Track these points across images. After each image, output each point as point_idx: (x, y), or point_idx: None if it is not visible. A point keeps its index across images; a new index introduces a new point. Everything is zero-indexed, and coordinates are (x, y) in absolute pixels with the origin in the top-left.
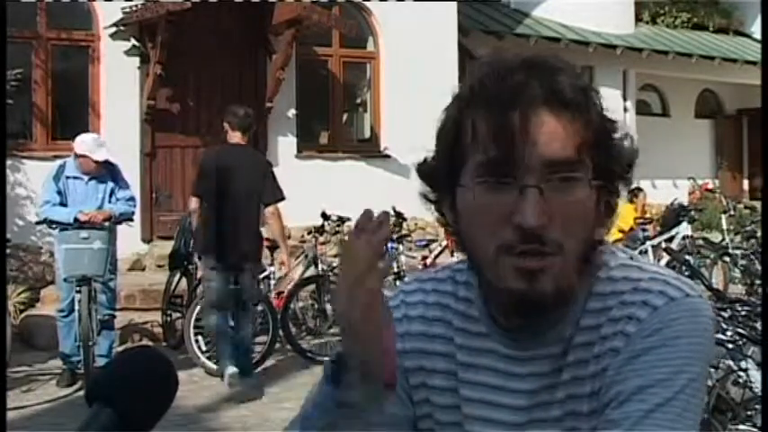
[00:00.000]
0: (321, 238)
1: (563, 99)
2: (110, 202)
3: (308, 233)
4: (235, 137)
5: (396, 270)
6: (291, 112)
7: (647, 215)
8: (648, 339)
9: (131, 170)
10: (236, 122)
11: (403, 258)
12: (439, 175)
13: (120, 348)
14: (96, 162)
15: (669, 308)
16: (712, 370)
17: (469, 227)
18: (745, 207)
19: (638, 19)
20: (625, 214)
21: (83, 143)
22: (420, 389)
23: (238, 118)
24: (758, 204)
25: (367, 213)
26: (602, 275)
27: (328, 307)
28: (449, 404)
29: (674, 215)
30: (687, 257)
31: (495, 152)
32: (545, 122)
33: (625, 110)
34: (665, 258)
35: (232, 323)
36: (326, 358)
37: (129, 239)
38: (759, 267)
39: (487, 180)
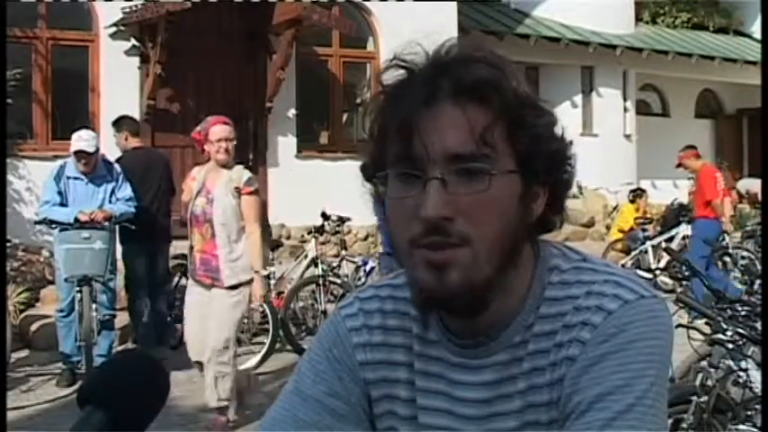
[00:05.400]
0: (321, 238)
1: (469, 90)
2: (110, 202)
3: (308, 233)
4: (134, 141)
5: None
6: (291, 112)
7: (647, 215)
8: (604, 345)
9: None
10: (134, 129)
11: None
12: (372, 172)
13: (120, 348)
14: (88, 154)
15: (624, 311)
16: (712, 370)
17: (390, 222)
18: (750, 201)
19: (638, 19)
20: (626, 214)
21: (74, 141)
22: (383, 401)
23: (134, 125)
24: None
25: None
26: (554, 279)
27: (328, 307)
28: (409, 415)
29: (673, 215)
30: (687, 257)
31: (402, 147)
32: (448, 115)
33: (625, 110)
34: (665, 258)
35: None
36: None
37: None
38: (759, 267)
39: (400, 175)
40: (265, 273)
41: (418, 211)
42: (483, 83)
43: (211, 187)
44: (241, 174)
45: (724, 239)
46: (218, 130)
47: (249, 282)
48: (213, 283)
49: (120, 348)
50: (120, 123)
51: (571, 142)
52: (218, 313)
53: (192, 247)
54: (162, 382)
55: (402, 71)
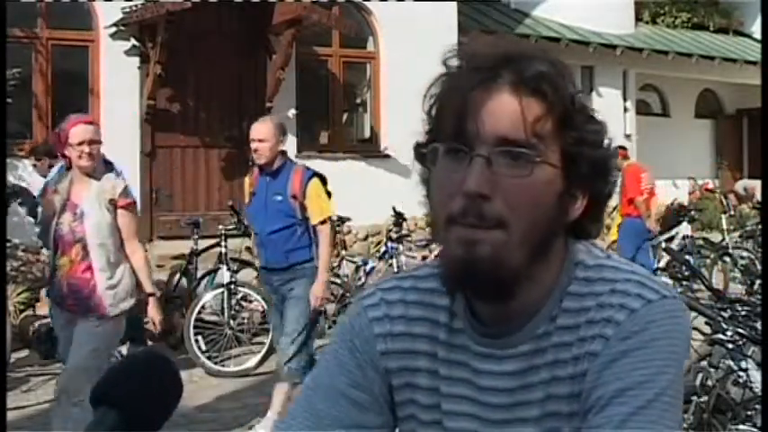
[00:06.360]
0: None
1: (528, 81)
2: None
3: None
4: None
5: (396, 270)
6: (291, 112)
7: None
8: (627, 342)
9: (131, 170)
10: (53, 153)
11: (403, 258)
12: (426, 153)
13: (120, 348)
14: None
15: (646, 310)
16: (712, 370)
17: (433, 200)
18: (751, 203)
19: (638, 19)
20: None
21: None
22: (404, 389)
23: (49, 148)
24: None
25: None
26: (579, 275)
27: (328, 307)
28: (431, 403)
29: (673, 215)
30: (687, 257)
31: (455, 125)
32: (504, 101)
33: (625, 110)
34: (666, 258)
35: None
36: None
37: None
38: (759, 267)
39: (449, 151)
40: (158, 294)
41: (461, 186)
42: (543, 77)
43: (78, 201)
44: (115, 183)
45: (650, 238)
46: (78, 132)
47: (131, 309)
48: (85, 314)
49: (119, 348)
50: (38, 151)
51: (616, 155)
52: (92, 344)
53: (53, 269)
54: (175, 381)
55: (469, 58)
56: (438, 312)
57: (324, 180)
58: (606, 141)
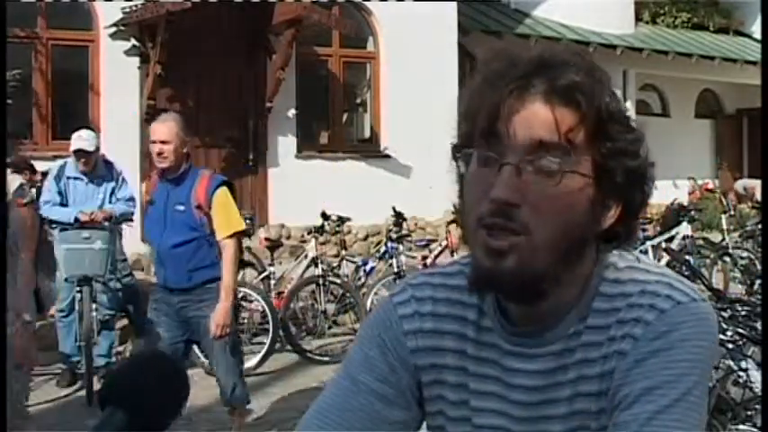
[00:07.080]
0: (321, 238)
1: (562, 91)
2: (110, 202)
3: (308, 233)
4: None
5: (396, 270)
6: (291, 112)
7: (647, 215)
8: (655, 342)
9: (131, 170)
10: None
11: (403, 258)
12: (458, 150)
13: (119, 348)
14: (88, 153)
15: (676, 311)
16: (713, 370)
17: (465, 200)
18: (751, 203)
19: (638, 19)
20: None
21: (73, 140)
22: (433, 385)
23: None
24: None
25: None
26: (609, 276)
27: (328, 307)
28: (459, 399)
29: (674, 215)
30: (687, 257)
31: (487, 131)
32: (537, 109)
33: None
34: (665, 258)
35: None
36: (327, 358)
37: (129, 239)
38: (759, 267)
39: (479, 155)
40: (28, 319)
41: (490, 191)
42: (577, 88)
43: None
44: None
45: None
46: None
47: (30, 321)
48: None
49: (119, 348)
50: (17, 166)
51: (653, 164)
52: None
53: None
54: (182, 382)
55: (503, 62)
56: (467, 310)
57: (232, 188)
58: (643, 150)
